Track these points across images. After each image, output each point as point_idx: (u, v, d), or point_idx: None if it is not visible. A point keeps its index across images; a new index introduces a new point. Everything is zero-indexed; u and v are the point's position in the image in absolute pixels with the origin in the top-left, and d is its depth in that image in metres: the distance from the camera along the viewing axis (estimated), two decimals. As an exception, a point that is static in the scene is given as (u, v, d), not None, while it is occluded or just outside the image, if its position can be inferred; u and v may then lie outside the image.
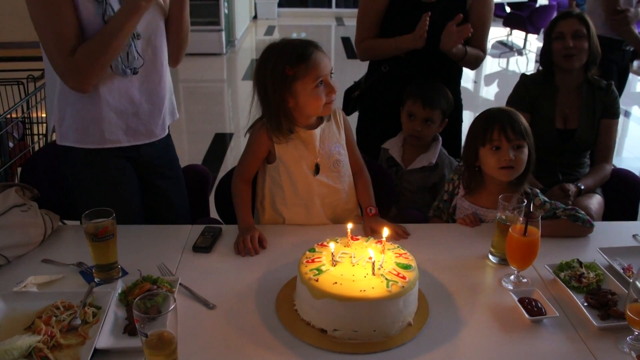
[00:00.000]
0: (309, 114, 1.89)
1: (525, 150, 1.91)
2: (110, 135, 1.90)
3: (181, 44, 2.05)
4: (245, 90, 7.43)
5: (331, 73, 1.84)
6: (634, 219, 2.48)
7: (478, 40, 2.56)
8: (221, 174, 2.63)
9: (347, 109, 2.82)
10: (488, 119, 1.94)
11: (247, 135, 1.98)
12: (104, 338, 1.33)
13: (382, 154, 2.61)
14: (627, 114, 6.45)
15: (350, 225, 1.60)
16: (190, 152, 5.02)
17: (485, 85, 8.07)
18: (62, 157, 1.96)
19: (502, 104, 2.46)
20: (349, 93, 2.83)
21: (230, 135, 5.59)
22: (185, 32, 2.03)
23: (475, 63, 2.61)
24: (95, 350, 1.29)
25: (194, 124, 6.07)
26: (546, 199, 1.95)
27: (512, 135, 1.88)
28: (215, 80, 8.14)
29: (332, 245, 1.50)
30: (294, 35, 10.83)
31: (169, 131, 2.14)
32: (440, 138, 2.52)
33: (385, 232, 1.57)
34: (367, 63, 2.77)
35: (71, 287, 1.58)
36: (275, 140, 1.91)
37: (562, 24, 2.50)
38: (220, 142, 5.40)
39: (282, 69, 1.79)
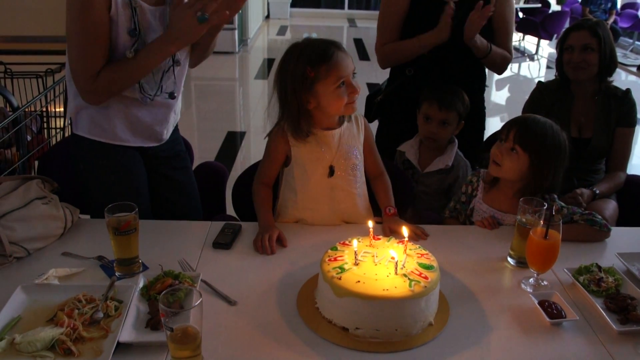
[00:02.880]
0: (331, 114, 1.88)
1: (520, 157, 1.88)
2: (122, 135, 1.94)
3: (206, 57, 2.09)
4: (257, 89, 7.44)
5: (354, 73, 1.83)
6: (650, 225, 2.47)
7: (502, 41, 2.53)
8: (234, 172, 2.63)
9: (369, 116, 2.77)
10: (511, 119, 1.97)
11: (266, 138, 1.99)
12: (127, 332, 1.34)
13: (397, 156, 2.61)
14: (638, 122, 6.40)
15: (371, 224, 1.59)
16: (202, 150, 5.04)
17: (496, 90, 8.03)
18: (74, 144, 2.00)
19: (514, 109, 2.46)
20: (371, 98, 2.80)
21: (242, 133, 5.60)
22: (212, 49, 2.07)
23: (501, 64, 2.56)
24: (118, 344, 1.30)
25: (206, 122, 6.08)
26: (563, 203, 1.94)
27: (511, 137, 1.89)
28: (227, 78, 8.16)
29: (355, 242, 1.49)
30: (305, 35, 10.81)
31: (177, 126, 2.17)
32: (456, 140, 2.51)
33: (405, 232, 1.58)
34: (377, 65, 2.75)
35: (92, 280, 1.58)
36: (292, 142, 1.90)
37: (573, 36, 2.49)
38: (233, 140, 5.41)
39: (303, 70, 1.77)
